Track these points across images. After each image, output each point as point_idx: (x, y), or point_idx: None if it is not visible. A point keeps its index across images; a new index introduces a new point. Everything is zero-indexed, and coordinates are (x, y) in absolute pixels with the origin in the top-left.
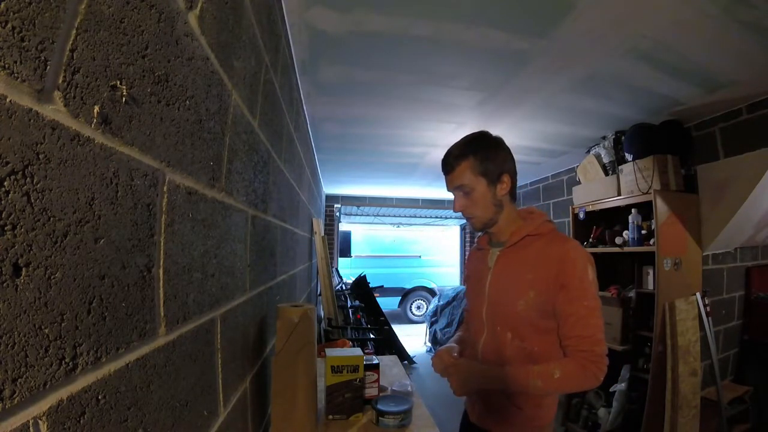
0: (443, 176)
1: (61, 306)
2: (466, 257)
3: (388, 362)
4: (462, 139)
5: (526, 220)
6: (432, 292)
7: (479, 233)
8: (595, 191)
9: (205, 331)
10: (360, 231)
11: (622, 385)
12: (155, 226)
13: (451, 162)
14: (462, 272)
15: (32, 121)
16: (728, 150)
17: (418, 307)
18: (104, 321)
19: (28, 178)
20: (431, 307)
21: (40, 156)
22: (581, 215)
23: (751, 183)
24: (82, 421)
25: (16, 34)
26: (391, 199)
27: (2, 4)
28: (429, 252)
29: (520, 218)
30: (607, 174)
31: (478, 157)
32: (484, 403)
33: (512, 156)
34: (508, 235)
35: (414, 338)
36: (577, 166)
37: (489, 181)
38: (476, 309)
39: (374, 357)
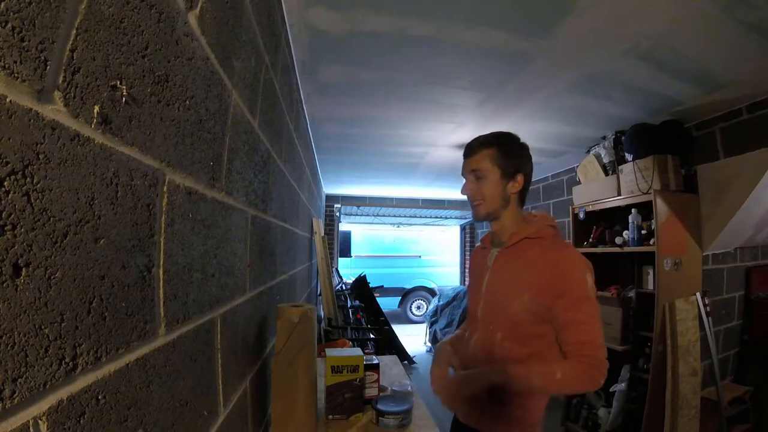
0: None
1: (61, 306)
2: (470, 255)
3: (388, 362)
4: (492, 132)
5: (528, 222)
6: (432, 292)
7: (487, 228)
8: (595, 191)
9: (205, 331)
10: (360, 231)
11: (622, 385)
12: (155, 226)
13: (474, 147)
14: (462, 271)
15: (32, 121)
16: (728, 150)
17: (418, 307)
18: (104, 321)
19: (28, 178)
20: (431, 307)
21: (40, 156)
22: (581, 215)
23: (751, 183)
24: (82, 421)
25: (16, 34)
26: (391, 199)
27: (2, 4)
28: (429, 252)
29: (523, 220)
30: (607, 174)
31: (501, 150)
32: (469, 403)
33: (532, 163)
34: (509, 235)
35: (414, 338)
36: (577, 166)
37: (503, 174)
38: (473, 307)
39: (374, 357)
